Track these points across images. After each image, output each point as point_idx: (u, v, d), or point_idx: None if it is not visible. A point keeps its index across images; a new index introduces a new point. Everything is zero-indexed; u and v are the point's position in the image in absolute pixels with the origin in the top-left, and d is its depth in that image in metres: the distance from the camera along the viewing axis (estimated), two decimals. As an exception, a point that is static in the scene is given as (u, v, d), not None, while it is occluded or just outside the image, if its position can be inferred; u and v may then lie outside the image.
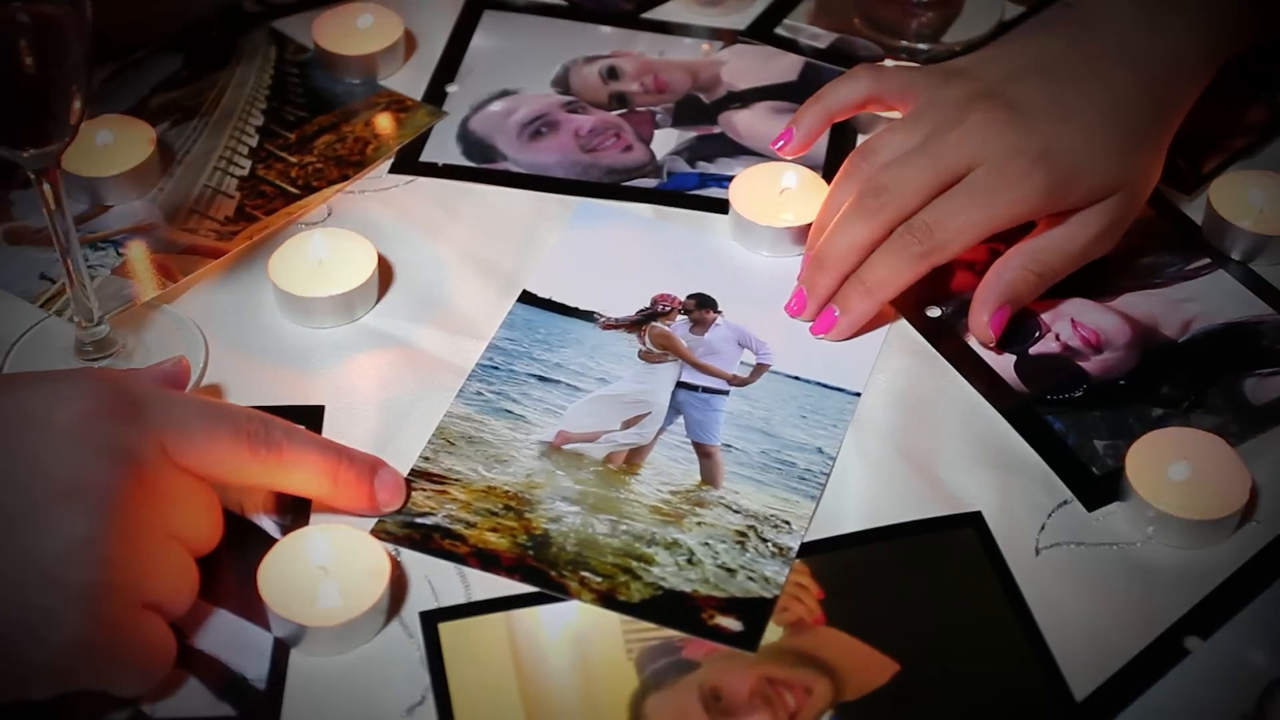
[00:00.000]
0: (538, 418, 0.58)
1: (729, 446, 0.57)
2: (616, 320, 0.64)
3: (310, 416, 0.55)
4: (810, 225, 0.61)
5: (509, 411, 0.58)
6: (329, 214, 0.64)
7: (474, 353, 0.60)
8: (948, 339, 0.60)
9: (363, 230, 0.61)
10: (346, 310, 0.60)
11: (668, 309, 0.69)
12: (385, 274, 0.61)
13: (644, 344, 0.67)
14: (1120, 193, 0.53)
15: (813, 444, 0.57)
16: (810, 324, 0.60)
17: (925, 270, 0.55)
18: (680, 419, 0.58)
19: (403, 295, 0.61)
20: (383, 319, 0.61)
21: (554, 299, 0.63)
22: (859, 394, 0.59)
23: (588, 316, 0.62)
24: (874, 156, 0.56)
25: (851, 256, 0.56)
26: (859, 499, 0.54)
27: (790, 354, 0.60)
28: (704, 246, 0.64)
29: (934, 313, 0.61)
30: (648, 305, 0.64)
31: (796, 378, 0.60)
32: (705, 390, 0.60)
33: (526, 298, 0.63)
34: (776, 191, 0.64)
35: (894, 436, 0.56)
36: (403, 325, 0.61)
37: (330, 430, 0.55)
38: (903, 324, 0.61)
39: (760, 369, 0.62)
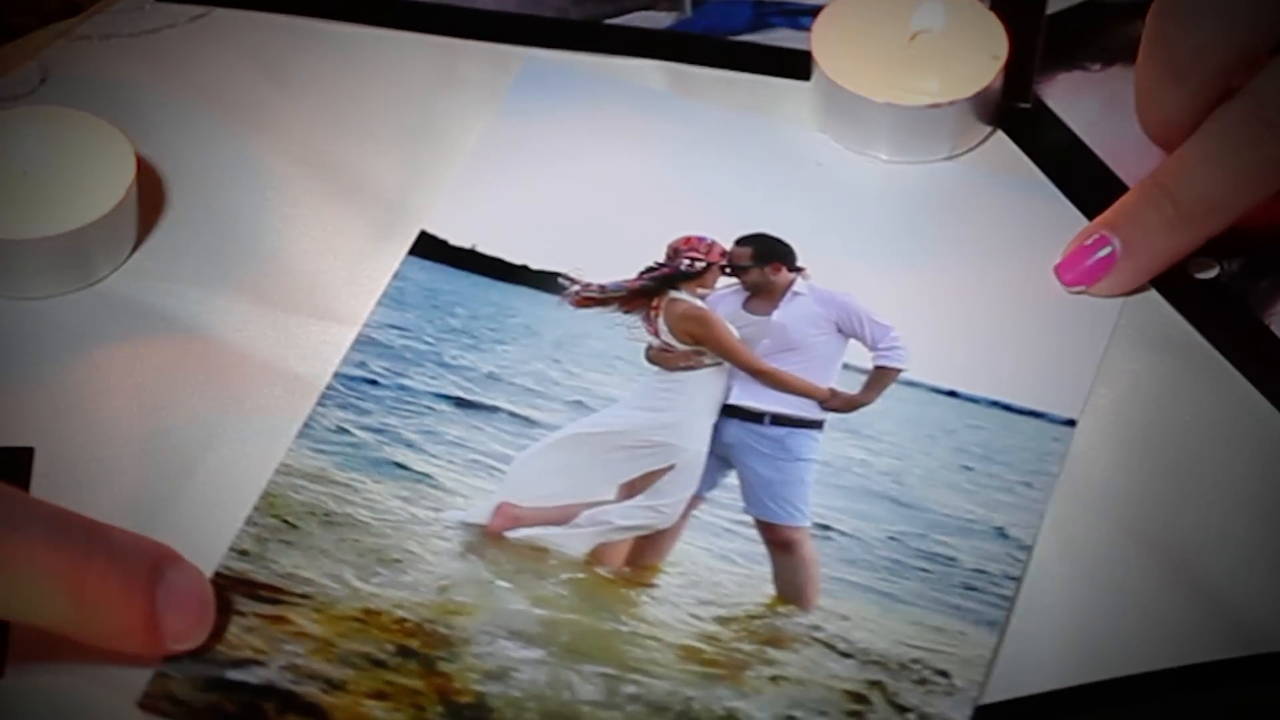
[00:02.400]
0: (457, 479, 0.57)
1: (826, 529, 0.58)
2: (602, 289, 0.65)
3: (7, 467, 0.54)
4: (996, 100, 0.63)
5: (401, 466, 0.57)
6: (42, 80, 0.63)
7: (329, 351, 0.60)
8: (1231, 318, 0.60)
9: (108, 111, 0.61)
10: (77, 264, 0.59)
11: (699, 265, 0.65)
12: (151, 196, 0.61)
13: (656, 333, 0.63)
14: None
15: (987, 520, 0.56)
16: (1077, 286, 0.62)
17: None
18: (731, 477, 0.58)
19: (185, 238, 0.62)
20: (147, 283, 0.60)
21: (480, 249, 0.63)
22: (1071, 422, 0.59)
23: (547, 282, 0.62)
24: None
25: (1240, 206, 0.60)
26: (1077, 626, 0.53)
27: (938, 350, 0.61)
28: (765, 146, 0.66)
29: (1207, 272, 0.61)
30: (662, 260, 0.65)
31: (953, 393, 0.60)
32: (777, 421, 0.61)
33: (427, 247, 0.63)
34: (904, 36, 0.64)
35: (1138, 504, 0.56)
36: (186, 295, 0.60)
37: (44, 492, 0.53)
38: (1149, 295, 0.61)
39: (883, 377, 0.63)
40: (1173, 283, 0.62)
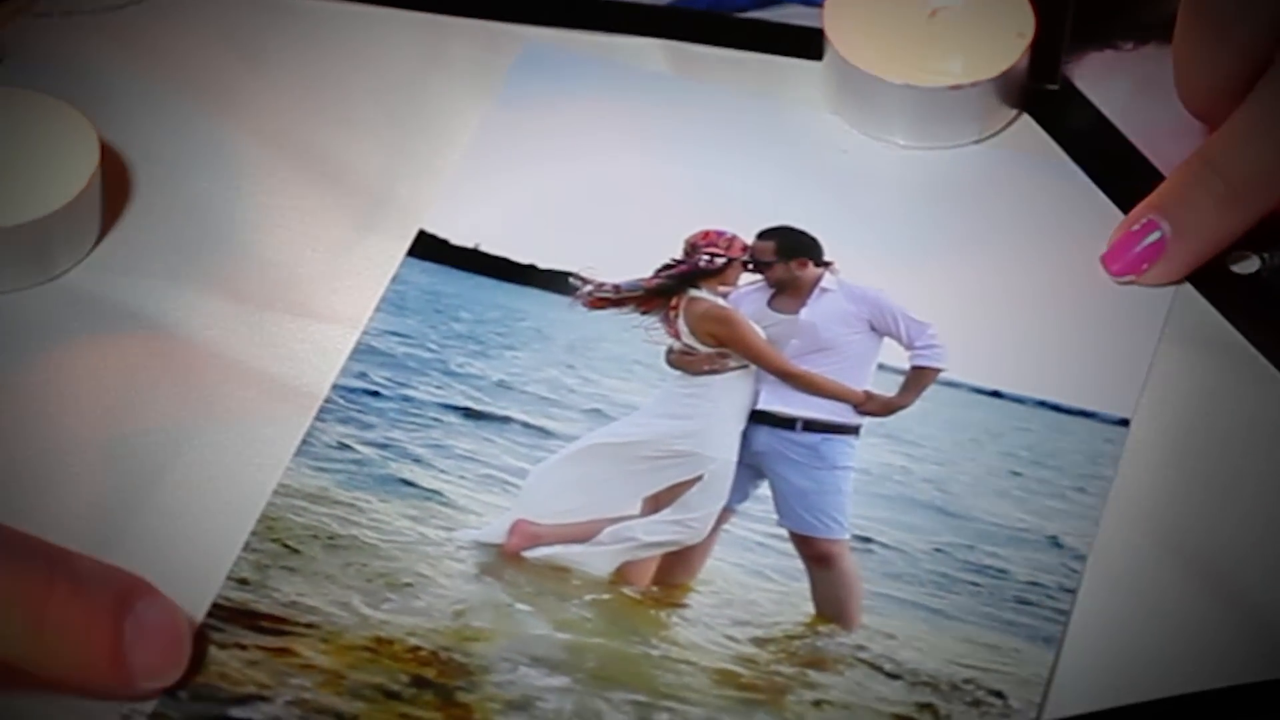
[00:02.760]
0: (469, 496, 0.57)
1: (867, 541, 0.58)
2: (616, 289, 0.65)
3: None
4: (1021, 82, 0.64)
5: (408, 483, 0.57)
6: (0, 60, 0.60)
7: (306, 351, 0.60)
8: (1273, 317, 0.60)
9: (70, 93, 0.61)
10: (37, 256, 0.59)
11: (720, 261, 0.65)
12: (116, 184, 0.62)
13: (677, 335, 0.63)
14: None
15: (1040, 529, 0.57)
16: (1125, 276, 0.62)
17: None
18: (763, 488, 0.59)
19: (153, 229, 0.62)
20: (111, 278, 0.60)
21: (483, 249, 0.64)
22: (1125, 422, 0.59)
23: (557, 282, 0.63)
24: None
25: None
26: (1141, 638, 0.53)
27: (979, 348, 0.62)
28: (777, 131, 0.66)
29: (1246, 265, 0.61)
30: (679, 257, 0.65)
31: (997, 394, 0.61)
32: (809, 426, 0.61)
33: (427, 247, 0.64)
34: (924, 13, 0.64)
35: (1183, 512, 0.56)
36: (153, 291, 0.60)
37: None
38: (1190, 290, 0.61)
39: (921, 377, 0.62)
40: (1211, 277, 0.61)
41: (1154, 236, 0.63)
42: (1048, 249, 0.65)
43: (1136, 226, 0.62)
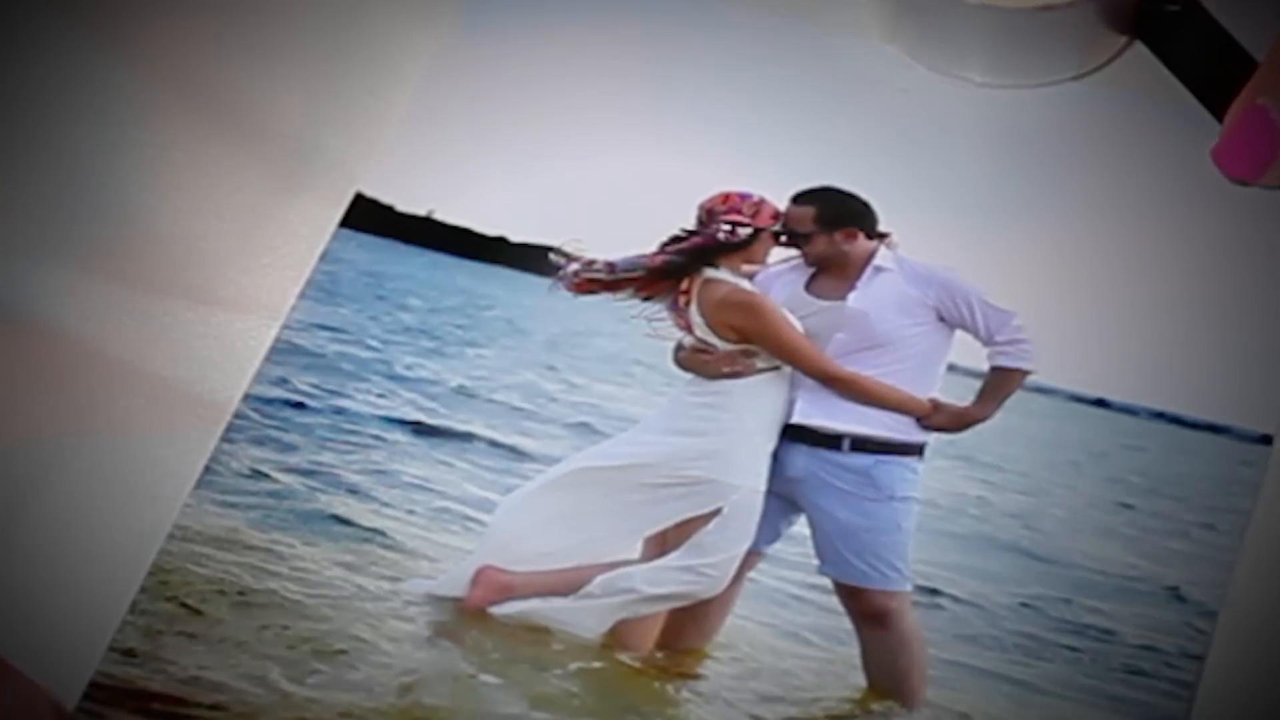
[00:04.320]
0: (420, 536, 0.61)
1: (934, 594, 0.60)
2: (610, 268, 0.66)
3: None
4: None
5: (342, 521, 0.61)
6: None
7: (234, 360, 0.63)
8: None
9: None
10: None
11: (744, 233, 0.65)
12: None
13: (688, 327, 0.64)
14: None
15: (1156, 578, 0.59)
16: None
17: None
18: (800, 525, 0.61)
19: (13, 193, 0.66)
20: None
21: (438, 216, 0.67)
22: (1266, 439, 0.62)
23: (534, 260, 0.66)
24: None
25: None
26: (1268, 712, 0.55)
27: (1078, 343, 0.65)
28: (822, 67, 0.70)
29: None
30: (692, 227, 0.66)
31: (1102, 403, 0.63)
32: (859, 446, 0.63)
33: (365, 214, 0.67)
34: None
35: None
36: (22, 274, 0.65)
37: None
38: None
39: (1005, 381, 0.63)
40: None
41: (1265, 117, 0.63)
42: (1168, 217, 0.66)
43: (1247, 109, 0.63)
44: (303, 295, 0.65)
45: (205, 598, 0.59)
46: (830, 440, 0.62)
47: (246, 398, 0.62)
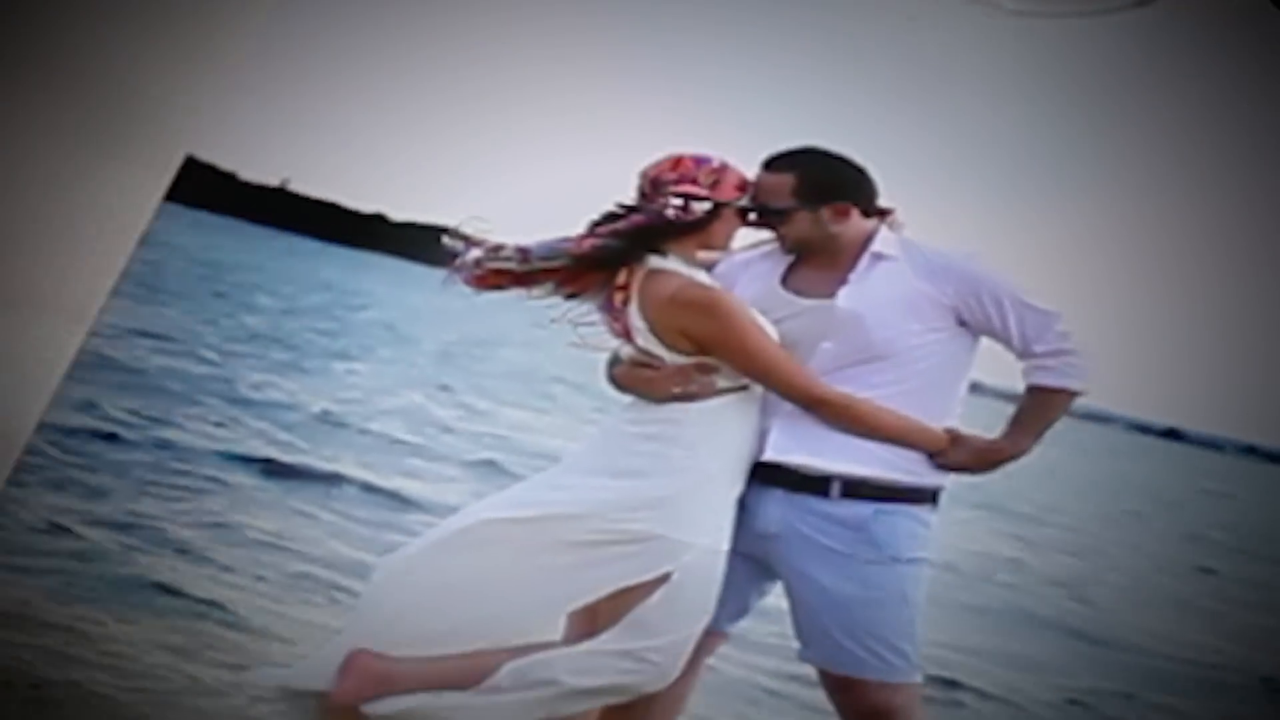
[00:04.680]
0: (272, 610, 0.53)
1: (952, 687, 0.57)
2: (523, 255, 0.62)
3: None
4: None
5: (168, 590, 0.64)
6: None
7: (25, 377, 0.66)
8: None
9: None
10: None
11: (700, 207, 0.64)
12: None
13: (627, 333, 0.61)
14: None
15: (1248, 666, 0.58)
16: None
17: None
18: (775, 595, 0.58)
19: None
20: None
21: (293, 186, 0.51)
22: None
23: (421, 245, 0.46)
24: None
25: None
26: None
27: (1141, 358, 0.50)
28: None
29: None
30: (632, 201, 0.62)
31: (1174, 433, 0.50)
32: (852, 491, 0.60)
33: (197, 185, 0.46)
34: None
35: None
36: None
37: None
38: None
39: (1046, 404, 0.61)
40: None
41: None
42: (1263, 182, 0.55)
43: None
44: (116, 291, 0.54)
45: (-13, 693, 0.52)
46: (815, 484, 0.53)
47: (41, 428, 0.52)
